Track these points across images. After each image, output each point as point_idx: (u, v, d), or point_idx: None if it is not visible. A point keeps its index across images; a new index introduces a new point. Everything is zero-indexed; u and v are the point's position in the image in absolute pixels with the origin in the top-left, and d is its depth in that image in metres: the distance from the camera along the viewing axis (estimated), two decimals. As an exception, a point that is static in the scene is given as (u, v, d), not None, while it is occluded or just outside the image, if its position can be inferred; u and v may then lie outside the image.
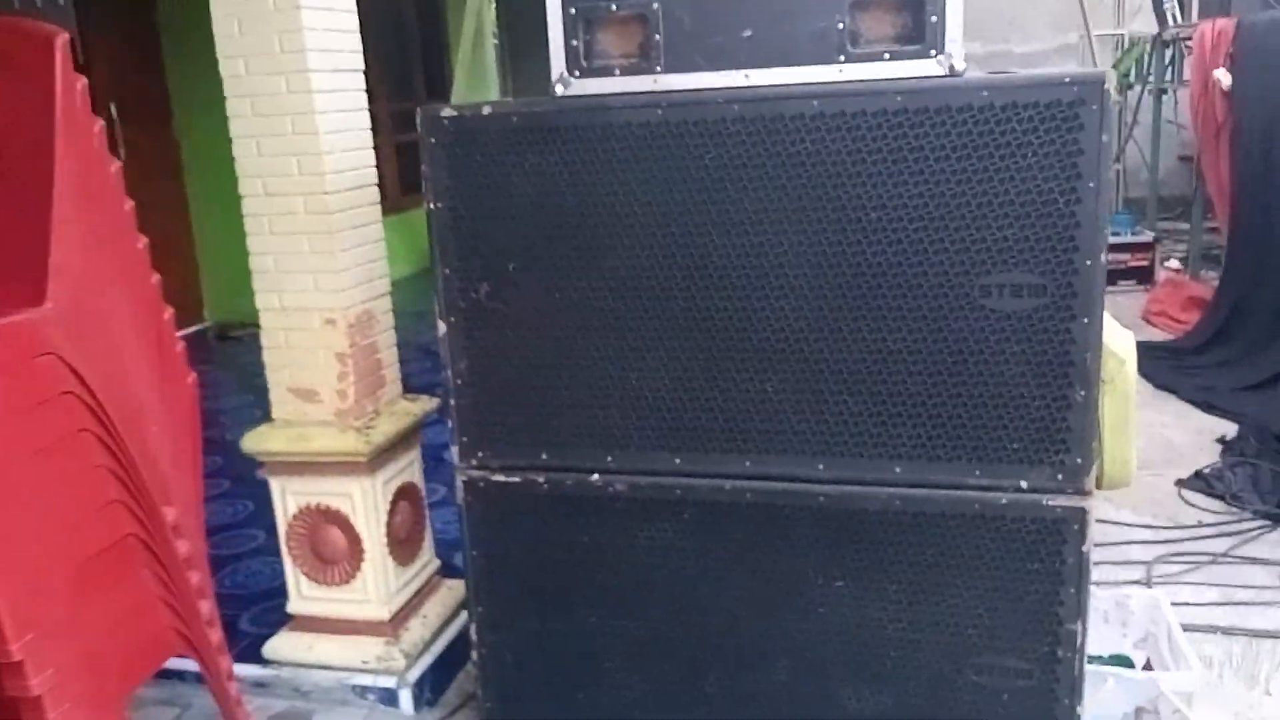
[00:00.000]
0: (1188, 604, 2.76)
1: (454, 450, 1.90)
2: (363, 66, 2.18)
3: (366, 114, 2.20)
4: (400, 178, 6.68)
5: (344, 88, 2.13)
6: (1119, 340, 1.73)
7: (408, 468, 2.34)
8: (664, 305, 1.73)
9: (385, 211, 2.29)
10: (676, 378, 1.76)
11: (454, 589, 2.52)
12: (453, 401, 1.88)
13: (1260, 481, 3.67)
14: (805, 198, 1.63)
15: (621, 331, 1.76)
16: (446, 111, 1.73)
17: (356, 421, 2.20)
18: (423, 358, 4.31)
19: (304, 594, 2.33)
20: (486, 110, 1.71)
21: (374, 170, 2.22)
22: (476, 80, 8.07)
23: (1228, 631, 2.64)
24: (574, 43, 1.67)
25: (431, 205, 1.78)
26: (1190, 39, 5.94)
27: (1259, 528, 3.25)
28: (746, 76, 1.64)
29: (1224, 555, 3.06)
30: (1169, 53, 6.92)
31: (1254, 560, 3.01)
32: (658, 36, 1.64)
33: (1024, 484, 1.67)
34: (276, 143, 2.09)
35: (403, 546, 2.34)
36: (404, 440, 2.29)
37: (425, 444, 2.41)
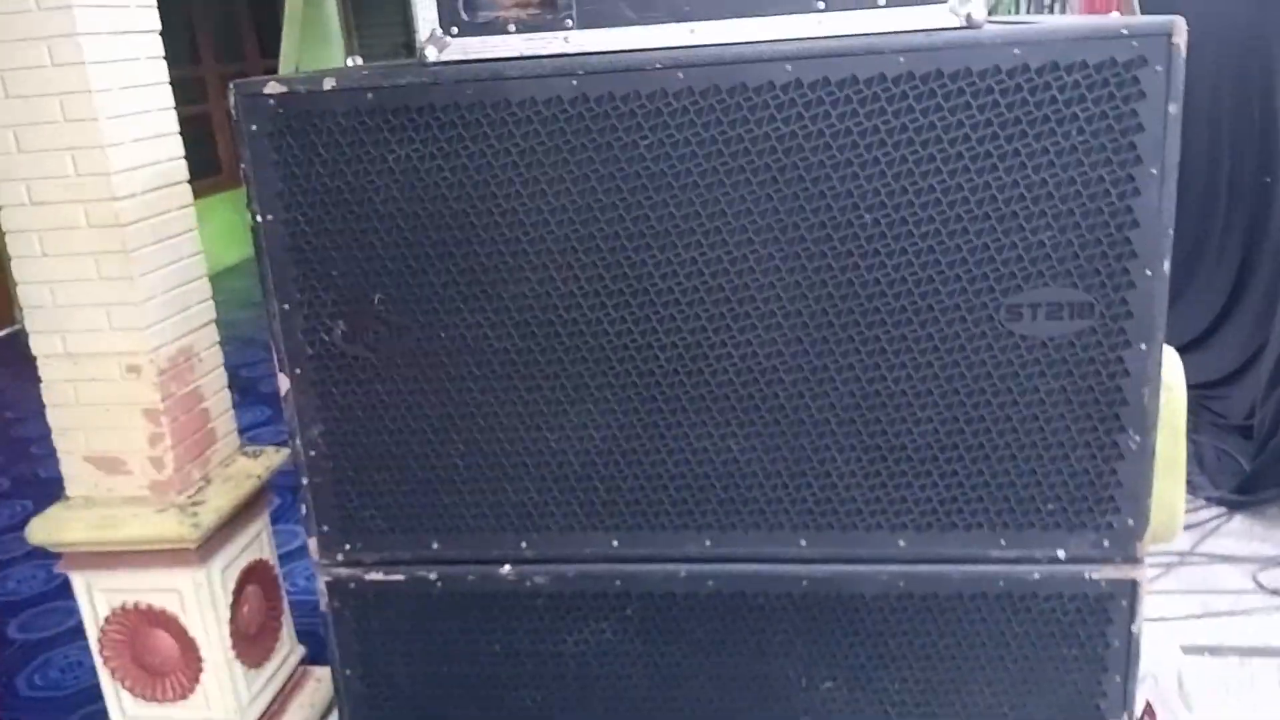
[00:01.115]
0: (1165, 619, 2.53)
1: (311, 544, 1.45)
2: (158, 25, 1.67)
3: (167, 88, 1.69)
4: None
5: (132, 55, 1.62)
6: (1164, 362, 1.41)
7: (253, 542, 1.88)
8: (590, 342, 1.32)
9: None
10: (611, 436, 1.36)
11: (325, 681, 2.07)
12: (305, 480, 1.43)
13: (1205, 460, 3.51)
14: (776, 195, 1.23)
15: (534, 379, 1.35)
16: (272, 87, 1.26)
17: (179, 496, 1.72)
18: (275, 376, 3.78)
19: (128, 713, 1.84)
20: (329, 84, 1.25)
21: (181, 163, 1.72)
22: (312, 39, 7.33)
23: (1215, 652, 2.41)
24: (449, -12, 1.23)
25: (259, 218, 1.32)
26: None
27: (1217, 516, 3.07)
28: (692, 32, 1.23)
29: (1191, 553, 2.85)
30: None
31: (1223, 558, 2.82)
32: (568, -23, 1.22)
33: (1061, 554, 1.33)
34: (42, 134, 1.58)
35: (253, 643, 1.88)
36: (246, 509, 1.82)
37: (276, 482, 1.94)
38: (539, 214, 1.27)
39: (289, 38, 1.42)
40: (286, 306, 1.35)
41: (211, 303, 1.79)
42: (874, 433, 1.31)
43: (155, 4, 1.66)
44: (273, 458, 1.90)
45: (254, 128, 1.28)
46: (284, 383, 1.39)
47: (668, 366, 1.32)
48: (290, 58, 1.44)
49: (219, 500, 1.74)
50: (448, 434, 1.39)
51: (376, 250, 1.31)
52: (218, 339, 1.81)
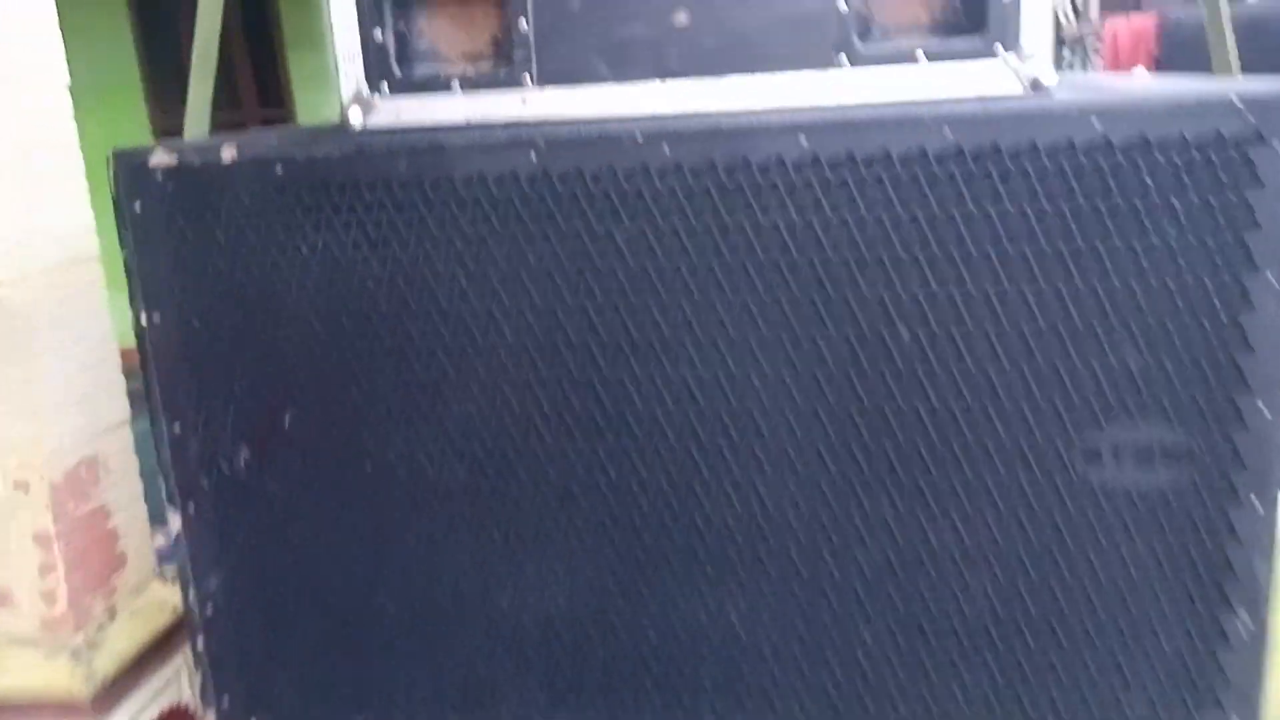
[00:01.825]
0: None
1: (207, 718, 1.19)
2: (64, 78, 1.46)
3: (74, 147, 1.47)
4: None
5: (22, 108, 1.40)
6: None
7: (169, 686, 1.61)
8: (553, 478, 1.07)
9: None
10: (577, 597, 1.10)
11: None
12: (200, 643, 1.17)
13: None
14: (788, 302, 0.98)
15: (483, 522, 1.09)
16: (159, 157, 1.03)
17: (74, 637, 1.46)
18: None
19: None
20: (229, 154, 1.02)
21: (89, 234, 1.49)
22: (313, 85, 7.15)
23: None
24: (378, 34, 1.00)
25: (144, 317, 1.08)
26: (1097, 37, 5.59)
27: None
28: (680, 93, 0.99)
29: None
30: (1067, 55, 6.56)
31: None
32: (524, 23, 0.98)
33: (1152, 762, 1.05)
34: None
35: (165, 809, 1.60)
36: (160, 647, 1.56)
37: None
38: (490, 318, 1.03)
39: (197, 89, 1.19)
40: (178, 427, 1.11)
41: (125, 400, 1.55)
42: (912, 604, 1.04)
43: (59, 55, 1.44)
44: (172, 524, 1.63)
45: (138, 207, 1.04)
46: (174, 522, 1.14)
47: (650, 512, 1.06)
48: (197, 116, 1.21)
49: (122, 641, 1.49)
50: (376, 588, 1.13)
51: (289, 360, 1.07)
52: (130, 440, 1.57)
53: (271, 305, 1.06)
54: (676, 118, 0.97)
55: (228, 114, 6.13)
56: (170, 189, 1.03)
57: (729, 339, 1.00)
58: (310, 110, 6.84)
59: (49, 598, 1.46)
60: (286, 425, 1.09)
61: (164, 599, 1.60)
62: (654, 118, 0.98)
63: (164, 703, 1.63)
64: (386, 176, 1.00)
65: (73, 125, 1.47)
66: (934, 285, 0.96)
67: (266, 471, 1.11)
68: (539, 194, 0.99)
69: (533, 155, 0.98)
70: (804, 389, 1.00)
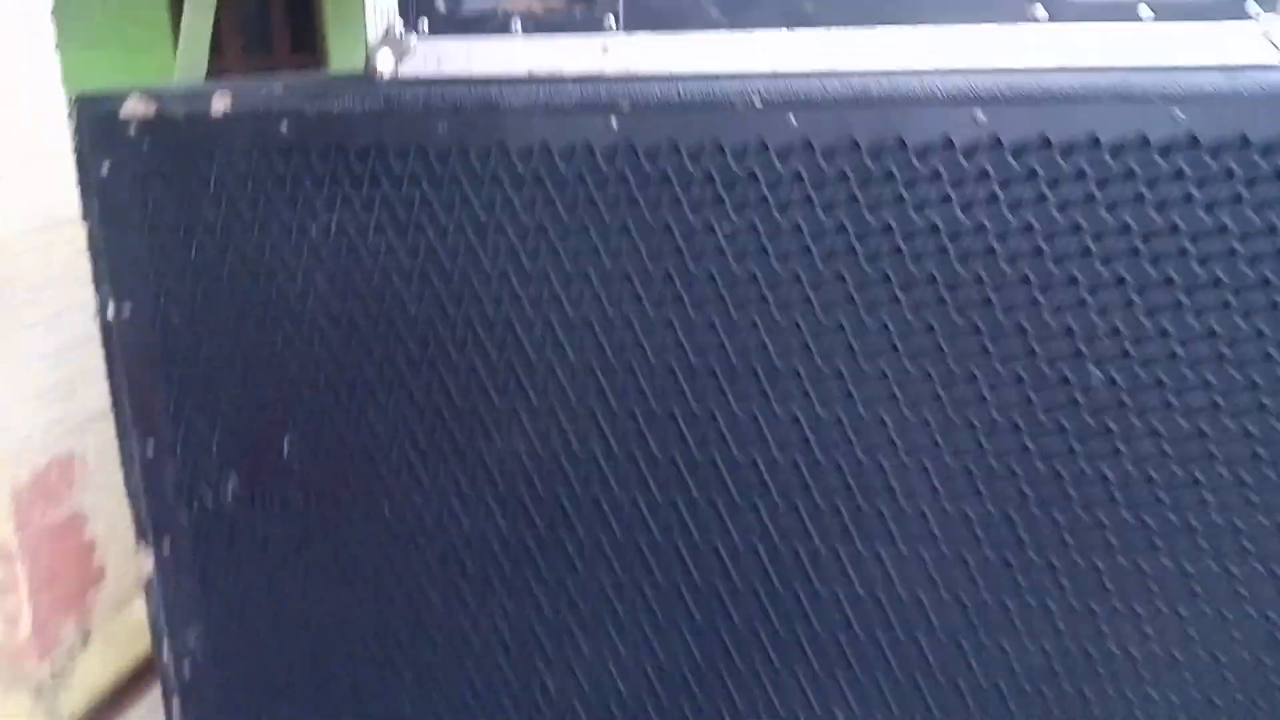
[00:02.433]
0: None
1: (180, 796, 0.99)
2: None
3: (57, 86, 1.26)
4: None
5: None
6: None
7: (152, 716, 1.43)
8: (616, 534, 0.86)
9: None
10: (643, 686, 0.88)
11: None
12: (175, 709, 0.97)
13: None
14: (942, 326, 0.76)
15: (525, 583, 0.88)
16: (133, 106, 0.81)
17: (41, 665, 1.27)
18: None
19: None
20: (221, 103, 0.80)
21: (70, 195, 1.28)
22: (343, 34, 6.79)
23: None
24: (417, -42, 0.77)
25: (110, 309, 0.87)
26: None
27: None
28: (815, 46, 0.76)
29: None
30: None
31: None
32: (612, -52, 0.76)
33: None
34: None
35: None
36: (142, 677, 1.37)
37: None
38: (547, 330, 0.81)
39: (193, 17, 0.97)
40: (152, 448, 0.90)
41: (105, 395, 1.35)
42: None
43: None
44: (142, 564, 1.44)
45: (105, 169, 0.83)
46: (146, 561, 0.94)
47: (741, 583, 0.85)
48: (191, 52, 0.99)
49: (96, 671, 1.30)
50: (391, 656, 0.92)
51: (292, 370, 0.86)
52: (114, 434, 1.37)
53: (271, 300, 0.84)
54: (808, 79, 0.74)
55: (260, 59, 5.91)
56: (146, 147, 0.82)
57: (858, 370, 0.78)
58: (344, 59, 6.58)
59: (9, 621, 1.27)
60: (285, 452, 0.88)
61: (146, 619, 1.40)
62: (778, 77, 0.75)
63: (145, 737, 1.44)
64: (422, 142, 0.78)
65: (53, 59, 1.25)
66: (1143, 318, 0.73)
67: (260, 507, 0.91)
68: (619, 172, 0.76)
69: (614, 121, 0.75)
70: (954, 438, 0.78)
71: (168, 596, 0.94)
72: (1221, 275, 0.72)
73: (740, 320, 0.78)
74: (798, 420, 0.80)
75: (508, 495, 0.86)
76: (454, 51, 0.78)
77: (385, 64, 0.78)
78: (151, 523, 0.93)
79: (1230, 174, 0.70)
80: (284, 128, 0.79)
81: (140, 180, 0.83)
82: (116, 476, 1.39)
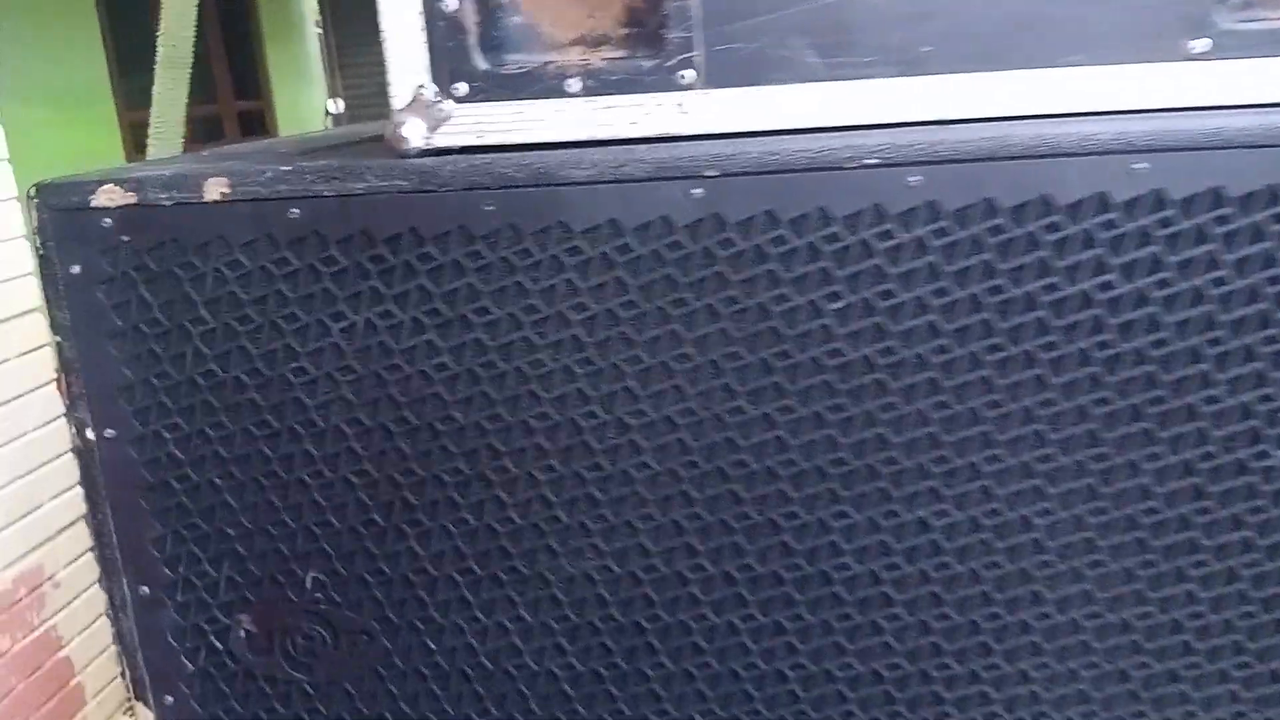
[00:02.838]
0: None
1: None
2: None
3: (5, 170, 1.11)
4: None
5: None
6: None
7: None
8: (710, 663, 0.74)
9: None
10: (741, 832, 0.76)
11: None
12: None
13: None
14: (1095, 409, 0.65)
15: (601, 709, 0.76)
16: (107, 196, 0.68)
17: (10, 814, 1.13)
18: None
19: None
20: (216, 190, 0.67)
21: (29, 284, 1.14)
22: (291, 77, 6.61)
23: None
24: (451, 2, 0.64)
25: (88, 434, 0.73)
26: None
27: None
28: (936, 96, 0.65)
29: None
30: None
31: None
32: (692, -14, 0.64)
33: None
34: None
35: None
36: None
37: None
38: (621, 431, 0.69)
39: (167, 90, 0.84)
40: (146, 591, 0.77)
41: (79, 493, 1.21)
42: None
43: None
44: None
45: (76, 269, 0.70)
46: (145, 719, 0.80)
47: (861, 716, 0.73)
48: (166, 126, 0.86)
49: (77, 814, 1.16)
50: (442, 816, 0.79)
51: (312, 492, 0.73)
52: (89, 544, 1.23)
53: (287, 415, 0.71)
54: (930, 132, 0.63)
55: (203, 108, 5.71)
56: (126, 242, 0.69)
57: (1000, 466, 0.67)
58: (289, 105, 6.39)
59: (-25, 768, 1.12)
60: (307, 587, 0.75)
61: (130, 747, 1.26)
62: (892, 133, 0.64)
63: None
64: (466, 224, 0.66)
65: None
66: (1337, 389, 0.63)
67: (276, 653, 0.77)
68: (705, 250, 0.65)
69: (697, 191, 0.63)
70: (1117, 545, 0.67)
71: (172, 760, 0.81)
72: None
73: (854, 411, 0.67)
74: (926, 527, 0.69)
75: (578, 623, 0.74)
76: (498, 117, 0.66)
77: (415, 133, 0.66)
78: (150, 676, 0.79)
79: None
80: (294, 214, 0.67)
81: (120, 281, 0.69)
82: (90, 589, 1.25)
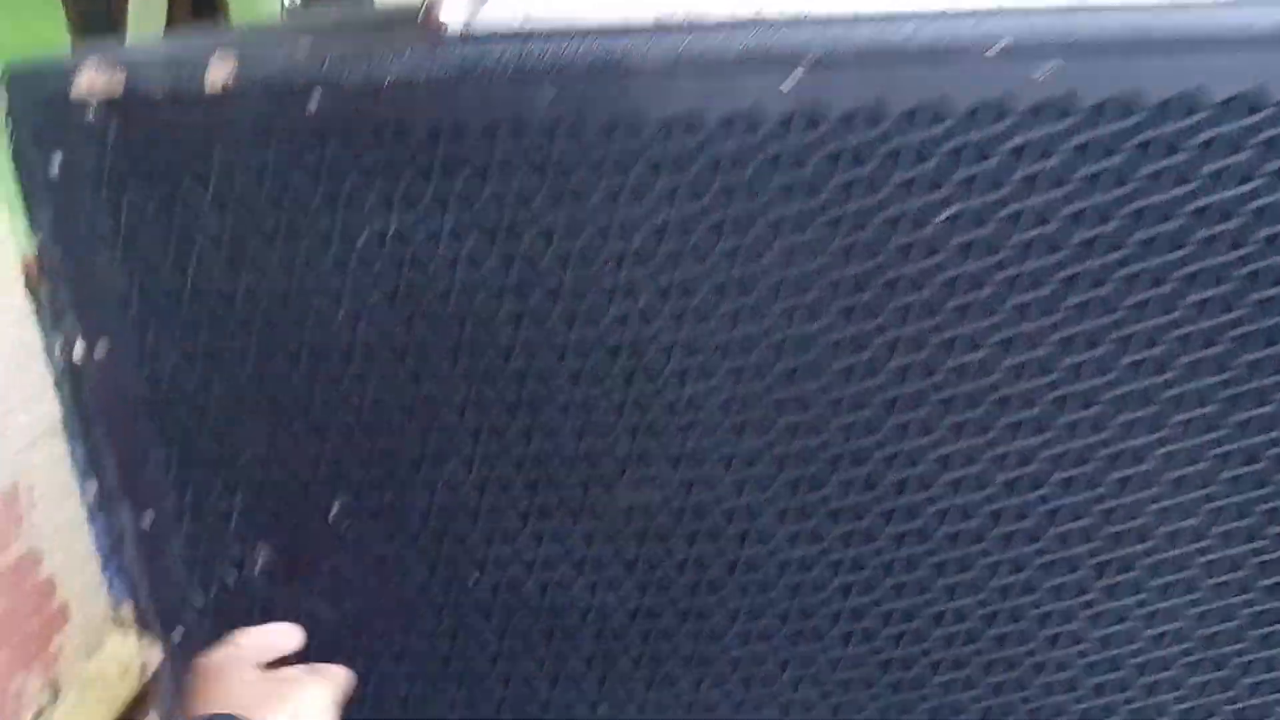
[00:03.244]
0: None
1: None
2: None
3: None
4: None
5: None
6: None
7: (139, 757, 1.24)
8: (774, 584, 0.69)
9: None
10: (801, 769, 0.73)
11: None
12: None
13: None
14: None
15: (661, 644, 0.71)
16: (91, 80, 0.58)
17: (-1, 730, 1.08)
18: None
19: None
20: (220, 75, 0.57)
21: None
22: None
23: None
24: None
25: (78, 350, 0.65)
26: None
27: None
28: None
29: None
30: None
31: None
32: None
33: None
34: None
35: None
36: None
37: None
38: (690, 354, 0.62)
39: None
40: (150, 519, 0.69)
41: (53, 395, 1.12)
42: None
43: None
44: (147, 656, 1.23)
45: (57, 166, 0.60)
46: (152, 653, 0.74)
47: (929, 635, 0.69)
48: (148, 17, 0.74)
49: (68, 728, 1.10)
50: None
51: (339, 414, 0.65)
52: (66, 457, 1.14)
53: (308, 329, 0.63)
54: (1063, 18, 0.54)
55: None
56: (113, 135, 0.59)
57: (1118, 392, 0.60)
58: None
59: (-39, 685, 1.06)
60: (333, 517, 0.68)
61: (125, 658, 1.20)
62: (1023, 17, 0.55)
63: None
64: (517, 116, 0.56)
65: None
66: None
67: (301, 584, 0.71)
68: (799, 147, 0.56)
69: (792, 81, 0.55)
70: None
71: (185, 694, 0.75)
72: None
73: (961, 334, 0.60)
74: (1027, 458, 0.63)
75: (637, 556, 0.68)
76: (556, -11, 0.56)
77: (454, 13, 0.56)
78: (157, 609, 0.72)
79: None
80: (314, 104, 0.57)
81: (110, 180, 0.60)
82: (69, 499, 1.18)
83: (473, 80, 0.56)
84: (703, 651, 0.72)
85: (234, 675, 0.64)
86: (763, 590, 0.69)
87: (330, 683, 0.66)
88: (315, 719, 0.63)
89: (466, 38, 0.57)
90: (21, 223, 0.62)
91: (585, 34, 0.56)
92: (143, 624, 0.73)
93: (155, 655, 1.20)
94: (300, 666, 0.68)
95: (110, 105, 0.58)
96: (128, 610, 1.27)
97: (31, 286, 1.09)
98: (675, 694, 0.74)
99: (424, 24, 0.58)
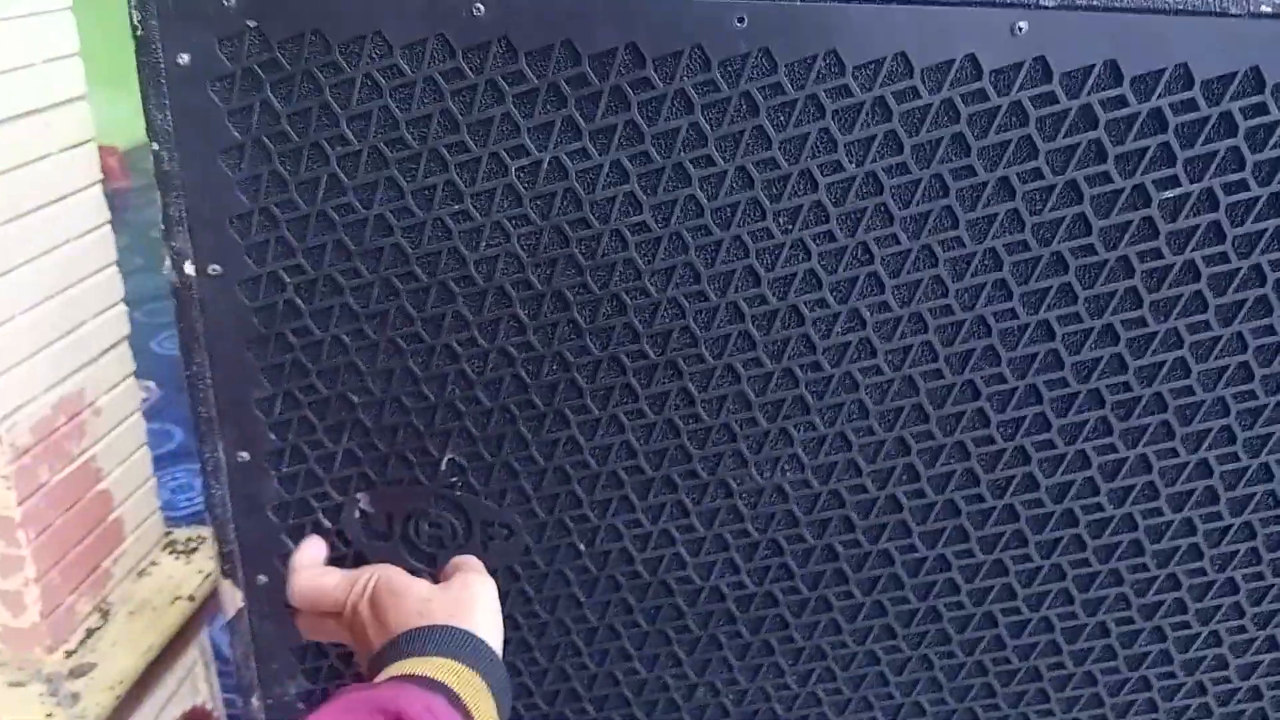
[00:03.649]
0: None
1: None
2: None
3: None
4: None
5: None
6: None
7: (183, 688, 1.20)
8: (903, 573, 0.63)
9: None
10: (915, 781, 0.67)
11: None
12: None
13: None
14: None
15: (770, 634, 0.66)
16: (233, -34, 0.52)
17: (53, 654, 1.03)
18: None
19: None
20: (380, -27, 0.51)
21: (75, 65, 0.97)
22: None
23: None
24: None
25: (189, 267, 0.59)
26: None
27: None
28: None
29: None
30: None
31: None
32: None
33: None
34: None
35: None
36: (171, 651, 1.13)
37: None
38: (855, 342, 0.55)
39: None
40: (246, 456, 0.64)
41: (123, 311, 1.06)
42: None
43: None
44: (226, 600, 1.19)
45: (184, 59, 0.54)
46: (230, 601, 0.69)
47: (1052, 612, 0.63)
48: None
49: (120, 655, 1.06)
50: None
51: (463, 360, 0.59)
52: (131, 369, 1.09)
53: (444, 265, 0.57)
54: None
55: None
56: (253, 28, 0.53)
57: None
58: None
59: (15, 604, 1.02)
60: (443, 469, 0.63)
61: (175, 583, 1.16)
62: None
63: (176, 711, 1.21)
64: (704, 45, 0.50)
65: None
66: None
67: (401, 539, 0.66)
68: (1017, 106, 0.49)
69: (1023, 26, 0.48)
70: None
71: (262, 642, 0.70)
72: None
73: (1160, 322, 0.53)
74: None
75: (760, 541, 0.63)
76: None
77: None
78: (241, 552, 0.67)
79: None
80: (480, 9, 0.51)
81: (241, 81, 0.54)
82: (133, 415, 1.13)
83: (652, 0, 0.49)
84: (817, 645, 0.66)
85: (411, 591, 0.58)
86: (894, 586, 0.63)
87: (488, 577, 0.60)
88: (498, 614, 0.58)
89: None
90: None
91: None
92: (225, 568, 0.68)
93: (205, 585, 1.16)
94: (446, 567, 0.62)
95: (253, -2, 0.52)
96: (180, 534, 1.23)
97: (105, 183, 1.04)
98: (778, 686, 0.69)
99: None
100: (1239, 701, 0.67)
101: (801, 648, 0.66)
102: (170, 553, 1.20)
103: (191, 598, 1.14)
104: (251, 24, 0.53)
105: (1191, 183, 0.50)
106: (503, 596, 0.66)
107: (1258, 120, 0.49)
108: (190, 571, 1.18)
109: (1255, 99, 0.49)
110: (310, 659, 0.71)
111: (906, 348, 0.56)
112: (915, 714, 0.69)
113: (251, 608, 0.69)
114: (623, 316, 0.57)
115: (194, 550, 1.22)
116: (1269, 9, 0.47)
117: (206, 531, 1.28)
